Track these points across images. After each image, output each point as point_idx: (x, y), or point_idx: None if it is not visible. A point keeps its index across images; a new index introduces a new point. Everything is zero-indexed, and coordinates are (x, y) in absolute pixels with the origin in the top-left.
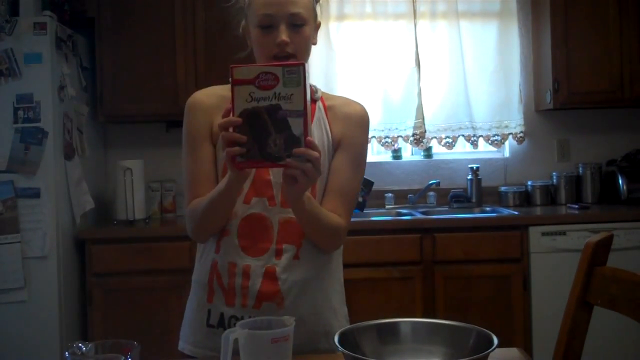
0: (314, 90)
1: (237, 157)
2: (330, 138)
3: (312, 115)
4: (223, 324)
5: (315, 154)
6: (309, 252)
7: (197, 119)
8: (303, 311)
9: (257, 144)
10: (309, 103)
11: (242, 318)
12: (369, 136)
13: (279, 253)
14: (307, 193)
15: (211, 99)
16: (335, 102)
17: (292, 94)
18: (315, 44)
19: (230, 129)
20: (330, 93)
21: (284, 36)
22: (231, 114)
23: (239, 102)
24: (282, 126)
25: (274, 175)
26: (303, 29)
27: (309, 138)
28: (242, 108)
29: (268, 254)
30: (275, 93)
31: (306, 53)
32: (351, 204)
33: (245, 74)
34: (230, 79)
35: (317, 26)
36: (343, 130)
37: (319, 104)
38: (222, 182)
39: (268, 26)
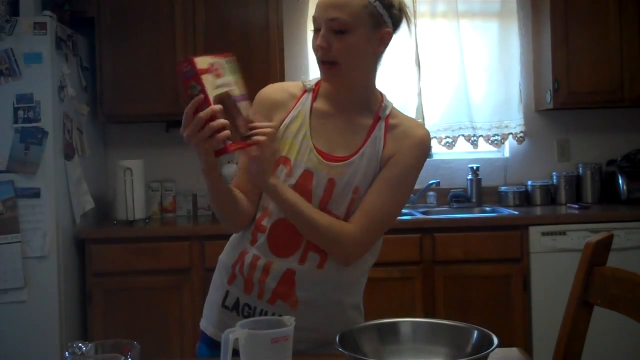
0: (383, 107)
1: (226, 140)
2: (379, 157)
3: (370, 133)
4: (237, 308)
5: (266, 129)
6: (334, 264)
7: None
8: (316, 320)
9: (233, 126)
10: None
11: (256, 308)
12: (422, 164)
13: (303, 259)
14: (285, 185)
15: (279, 94)
16: (400, 122)
17: (235, 81)
18: (379, 54)
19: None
20: (401, 112)
21: (318, 40)
22: (207, 103)
23: (210, 90)
24: (238, 109)
25: (316, 187)
26: (345, 36)
27: (251, 116)
28: (214, 95)
29: (293, 257)
30: (226, 80)
31: (355, 64)
32: (373, 218)
33: (204, 64)
34: (188, 69)
35: (383, 35)
36: (395, 149)
37: (381, 123)
38: (206, 179)
39: (316, 29)
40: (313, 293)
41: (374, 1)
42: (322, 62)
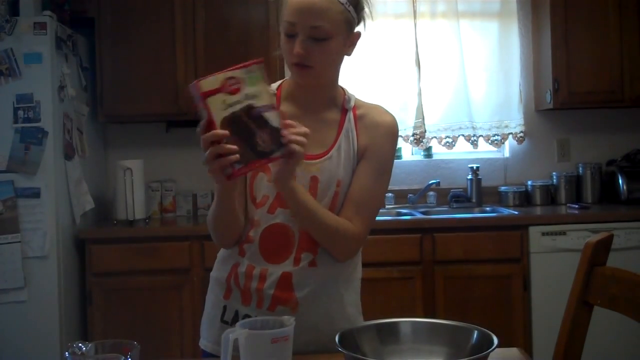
0: (347, 100)
1: (235, 165)
2: (356, 149)
3: (341, 127)
4: (237, 320)
5: (302, 129)
6: (325, 260)
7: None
8: (317, 318)
9: (248, 146)
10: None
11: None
12: (396, 149)
13: (297, 261)
14: (301, 186)
15: None
16: (366, 111)
17: (259, 91)
18: (349, 54)
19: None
20: (364, 100)
21: (298, 48)
22: (212, 127)
23: (217, 112)
24: (261, 123)
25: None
26: (325, 42)
27: (286, 121)
28: (221, 117)
29: (287, 261)
30: (244, 94)
31: (328, 66)
32: (368, 213)
33: (212, 84)
34: (195, 94)
35: (354, 37)
36: (369, 140)
37: (350, 114)
38: (216, 196)
39: (291, 34)
40: (312, 291)
41: (349, 6)
42: (297, 65)
